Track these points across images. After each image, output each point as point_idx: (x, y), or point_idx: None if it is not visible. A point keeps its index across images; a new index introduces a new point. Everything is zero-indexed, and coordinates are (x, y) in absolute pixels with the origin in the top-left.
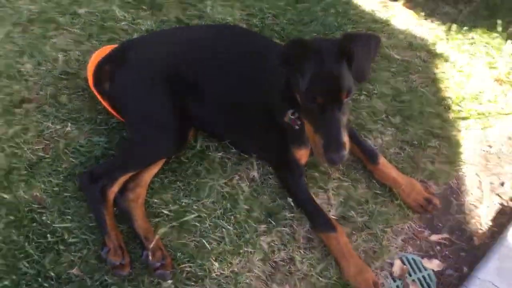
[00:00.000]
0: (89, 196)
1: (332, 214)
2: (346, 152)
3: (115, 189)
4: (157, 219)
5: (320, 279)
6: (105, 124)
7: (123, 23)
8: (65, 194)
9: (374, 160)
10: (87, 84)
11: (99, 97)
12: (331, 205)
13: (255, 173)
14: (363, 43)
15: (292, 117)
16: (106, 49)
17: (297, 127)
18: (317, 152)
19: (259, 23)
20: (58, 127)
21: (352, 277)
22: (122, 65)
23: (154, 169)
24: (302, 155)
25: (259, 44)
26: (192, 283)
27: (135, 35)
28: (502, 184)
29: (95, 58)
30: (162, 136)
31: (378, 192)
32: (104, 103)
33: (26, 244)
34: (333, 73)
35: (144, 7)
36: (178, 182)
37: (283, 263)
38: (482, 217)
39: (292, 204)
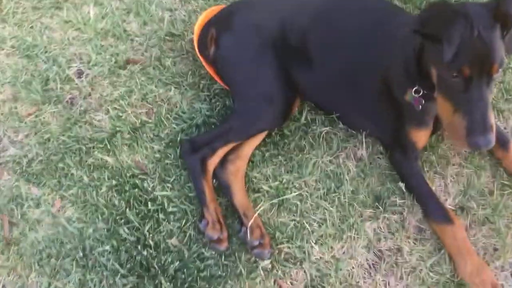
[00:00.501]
0: (190, 166)
1: (448, 204)
2: (493, 136)
3: (215, 160)
4: (256, 195)
5: (431, 274)
6: (207, 90)
7: None
8: (166, 161)
9: (504, 145)
10: (192, 47)
11: (203, 62)
12: (448, 194)
13: (363, 152)
14: None
15: (415, 95)
16: (213, 11)
17: (420, 107)
18: (455, 134)
19: None
20: (161, 90)
21: (468, 276)
22: (227, 30)
23: (256, 141)
24: (421, 137)
25: (379, 7)
26: (291, 265)
27: None
28: None
29: (202, 20)
30: (267, 107)
31: (506, 182)
32: (208, 68)
33: (127, 210)
34: (485, 41)
35: None
36: (279, 157)
37: (390, 253)
38: None
39: (404, 189)
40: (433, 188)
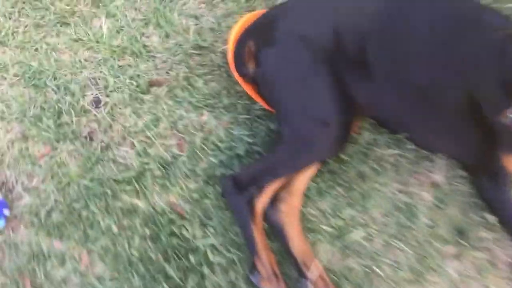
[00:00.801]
0: (235, 209)
1: None
2: None
3: (264, 200)
4: (314, 236)
5: None
6: (246, 112)
7: None
8: (206, 201)
9: None
10: (225, 61)
11: (240, 80)
12: None
13: (439, 177)
14: None
15: None
16: (250, 18)
17: None
18: None
19: None
20: (193, 116)
21: None
22: (269, 43)
23: (310, 172)
24: None
25: (459, 3)
26: None
27: None
28: None
29: (237, 30)
30: (321, 132)
31: None
32: (246, 87)
33: (166, 263)
34: None
35: None
36: (338, 187)
37: None
38: None
39: (495, 220)
40: None
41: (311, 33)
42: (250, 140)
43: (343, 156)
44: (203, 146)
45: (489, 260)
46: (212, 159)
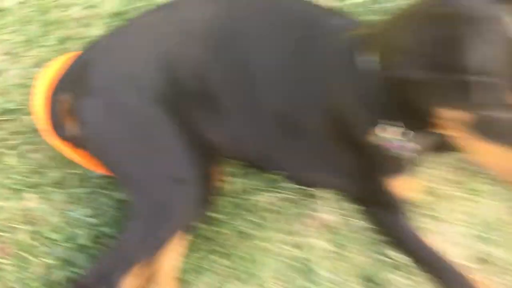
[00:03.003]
0: None
1: (464, 258)
2: None
3: None
4: None
5: None
6: (84, 185)
7: (74, 8)
8: None
9: None
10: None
11: (62, 147)
12: (459, 244)
13: (329, 216)
14: None
15: (401, 138)
16: (61, 63)
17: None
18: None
19: None
20: (12, 204)
21: None
22: (88, 91)
23: (177, 249)
24: (402, 185)
25: (304, 14)
26: None
27: (97, 24)
28: None
29: (45, 81)
30: (178, 192)
31: None
32: (74, 154)
33: None
34: None
35: None
36: (216, 257)
37: None
38: None
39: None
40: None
41: (136, 71)
42: (94, 221)
43: (215, 215)
44: (33, 243)
45: None
46: (47, 260)
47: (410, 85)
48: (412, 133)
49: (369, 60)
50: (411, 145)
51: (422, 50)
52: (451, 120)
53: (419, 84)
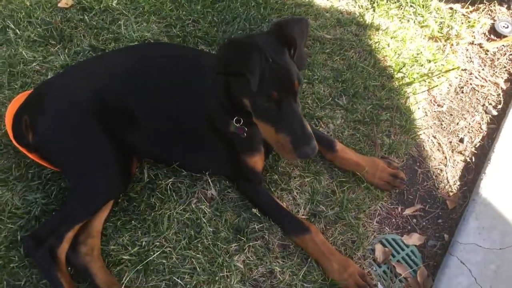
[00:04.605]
0: (38, 261)
1: (301, 214)
2: (315, 142)
3: (65, 246)
4: (119, 267)
5: (305, 285)
6: (38, 178)
7: (34, 64)
8: (12, 265)
9: (331, 148)
10: (9, 139)
11: (24, 151)
12: (298, 205)
13: (212, 191)
14: (298, 27)
15: (237, 125)
16: (22, 97)
17: (245, 134)
18: (284, 151)
19: (180, 32)
20: None
21: (336, 274)
22: (41, 112)
23: (104, 214)
24: (256, 161)
25: (185, 56)
26: None
27: (50, 74)
28: (461, 140)
29: (11, 109)
30: (105, 176)
31: (343, 179)
32: (32, 156)
33: None
34: (281, 65)
35: (52, 42)
36: (132, 221)
37: (264, 278)
38: (449, 178)
39: (258, 214)
40: (284, 204)
41: (76, 97)
42: (44, 201)
43: (132, 194)
44: (1, 216)
45: (264, 246)
46: (11, 226)
47: (228, 85)
48: (242, 121)
49: (216, 77)
50: (249, 129)
51: (225, 61)
52: (248, 106)
53: (231, 83)
